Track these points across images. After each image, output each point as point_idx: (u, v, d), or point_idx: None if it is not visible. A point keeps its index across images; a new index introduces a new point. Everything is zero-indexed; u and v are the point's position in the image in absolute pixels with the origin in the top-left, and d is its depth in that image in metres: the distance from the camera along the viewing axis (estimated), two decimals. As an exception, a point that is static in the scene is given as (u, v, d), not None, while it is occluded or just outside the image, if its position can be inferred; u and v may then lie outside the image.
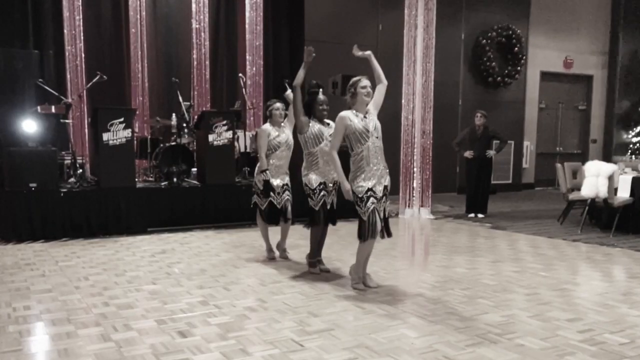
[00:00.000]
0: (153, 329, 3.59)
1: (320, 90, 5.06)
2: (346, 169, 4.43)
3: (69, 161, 7.58)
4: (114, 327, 3.61)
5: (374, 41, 10.64)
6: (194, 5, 9.63)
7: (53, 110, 7.31)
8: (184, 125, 8.28)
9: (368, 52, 4.70)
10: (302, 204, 5.19)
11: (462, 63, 12.22)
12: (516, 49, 12.48)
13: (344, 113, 4.39)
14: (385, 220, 4.46)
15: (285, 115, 5.50)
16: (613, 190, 7.11)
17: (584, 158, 12.85)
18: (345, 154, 4.53)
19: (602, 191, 7.06)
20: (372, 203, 4.31)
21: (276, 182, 5.38)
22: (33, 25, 8.22)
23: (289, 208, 5.42)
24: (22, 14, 8.11)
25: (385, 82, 4.58)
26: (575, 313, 3.99)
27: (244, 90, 9.34)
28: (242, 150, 8.78)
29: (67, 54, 8.53)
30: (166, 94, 9.47)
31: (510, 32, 12.41)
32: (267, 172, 5.31)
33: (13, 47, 7.80)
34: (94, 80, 7.58)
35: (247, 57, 10.16)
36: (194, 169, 8.24)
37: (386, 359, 3.14)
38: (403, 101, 8.90)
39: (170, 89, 9.15)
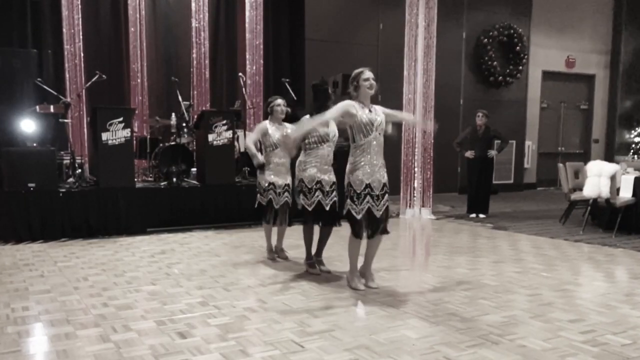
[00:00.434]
0: (152, 329, 3.57)
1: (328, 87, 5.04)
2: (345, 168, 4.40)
3: (68, 161, 7.56)
4: (113, 328, 3.60)
5: (374, 40, 10.62)
6: (193, 4, 9.60)
7: (52, 109, 7.29)
8: (184, 125, 8.26)
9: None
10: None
11: (464, 62, 12.18)
12: (518, 48, 12.45)
13: (350, 101, 4.32)
14: (378, 220, 4.35)
15: (287, 112, 5.46)
16: (615, 190, 7.08)
17: (586, 158, 12.81)
18: (345, 153, 4.49)
19: (605, 191, 7.04)
20: (367, 202, 4.27)
21: (279, 181, 5.33)
22: (32, 24, 8.22)
23: (287, 210, 5.37)
24: (20, 13, 8.10)
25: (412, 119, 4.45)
26: (577, 314, 3.97)
27: (243, 89, 9.32)
28: (242, 150, 8.75)
29: (66, 53, 8.50)
30: (166, 93, 9.46)
31: (512, 31, 12.38)
32: (264, 167, 5.26)
33: (11, 46, 7.80)
34: (93, 80, 7.57)
35: (247, 56, 10.13)
36: (194, 169, 8.23)
37: (387, 361, 3.12)
38: (404, 101, 8.87)
39: (169, 89, 9.15)
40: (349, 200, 4.33)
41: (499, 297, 4.36)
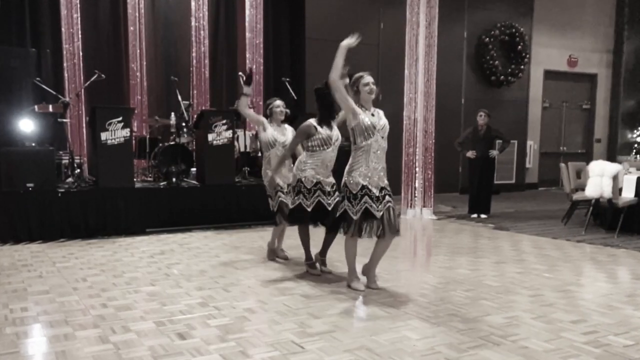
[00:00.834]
0: (152, 330, 3.56)
1: None
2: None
3: (67, 161, 7.54)
4: (112, 329, 3.59)
5: (375, 39, 10.59)
6: (193, 3, 9.58)
7: (50, 109, 7.27)
8: (183, 124, 8.22)
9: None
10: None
11: (465, 62, 12.16)
12: (519, 47, 12.41)
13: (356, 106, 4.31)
14: (389, 220, 4.31)
15: (286, 114, 5.44)
16: (617, 190, 7.06)
17: (588, 158, 12.79)
18: (347, 153, 4.46)
19: (607, 191, 7.01)
20: (366, 202, 4.23)
21: (282, 182, 5.32)
22: (30, 23, 8.19)
23: (285, 210, 5.31)
24: (19, 11, 8.08)
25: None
26: (580, 315, 3.95)
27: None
28: (242, 149, 8.73)
29: (64, 52, 8.48)
30: (165, 92, 9.43)
31: (514, 30, 12.34)
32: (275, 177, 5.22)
33: (10, 45, 7.76)
34: (92, 79, 7.54)
35: (247, 55, 10.10)
36: (193, 169, 8.20)
37: (388, 363, 3.10)
38: (405, 100, 8.84)
39: (169, 88, 9.12)
40: (346, 201, 4.31)
41: (500, 298, 4.34)
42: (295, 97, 8.82)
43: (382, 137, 4.30)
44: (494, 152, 8.66)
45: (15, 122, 6.99)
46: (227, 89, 10.07)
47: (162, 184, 7.62)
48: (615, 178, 6.99)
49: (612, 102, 14.17)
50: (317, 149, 4.79)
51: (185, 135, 8.24)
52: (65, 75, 8.51)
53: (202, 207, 7.56)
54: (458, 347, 3.30)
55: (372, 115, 4.29)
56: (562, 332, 3.58)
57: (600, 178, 7.08)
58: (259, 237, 5.86)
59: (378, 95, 4.35)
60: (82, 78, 8.49)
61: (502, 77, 12.35)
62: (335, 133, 4.86)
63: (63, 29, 8.47)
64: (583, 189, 7.44)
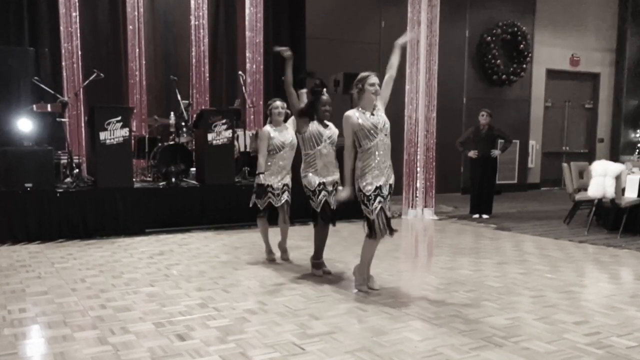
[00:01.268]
0: (151, 332, 3.55)
1: (324, 89, 4.97)
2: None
3: (65, 161, 7.52)
4: (111, 330, 3.58)
5: (376, 38, 10.54)
6: (192, 2, 9.53)
7: (49, 108, 7.23)
8: (183, 124, 8.20)
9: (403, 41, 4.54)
10: (303, 205, 5.09)
11: (467, 61, 12.12)
12: (521, 46, 12.38)
13: (350, 112, 4.28)
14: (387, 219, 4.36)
15: (286, 114, 5.45)
16: (620, 190, 7.04)
17: (590, 157, 12.70)
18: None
19: (610, 191, 6.99)
20: (380, 202, 4.24)
21: (277, 182, 5.32)
22: (28, 22, 8.15)
23: (287, 208, 5.36)
24: (17, 10, 8.05)
25: (394, 73, 4.43)
26: (582, 316, 3.94)
27: (243, 88, 9.24)
28: (242, 149, 8.69)
29: (63, 51, 8.44)
30: (164, 92, 9.39)
31: (516, 29, 12.31)
32: (262, 175, 5.26)
33: (8, 44, 7.74)
34: (91, 78, 7.51)
35: (247, 54, 10.06)
36: (193, 169, 8.18)
37: (389, 365, 3.08)
38: (406, 100, 8.81)
39: (168, 87, 9.06)
40: (362, 206, 4.31)
41: (502, 299, 4.32)
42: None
43: (385, 135, 4.31)
44: (496, 152, 8.63)
45: (14, 122, 6.97)
46: (227, 89, 10.03)
47: (161, 184, 7.59)
48: (618, 178, 6.97)
49: (615, 101, 14.13)
50: (311, 152, 4.82)
51: (185, 135, 8.22)
52: (64, 74, 8.48)
53: (201, 207, 7.54)
54: (460, 348, 3.29)
55: (373, 115, 4.28)
56: (564, 334, 3.56)
57: (603, 178, 7.06)
58: (259, 238, 5.83)
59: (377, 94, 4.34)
60: (80, 77, 8.46)
61: (504, 76, 12.31)
62: (333, 131, 4.88)
63: (61, 28, 8.44)
64: (585, 189, 7.42)
